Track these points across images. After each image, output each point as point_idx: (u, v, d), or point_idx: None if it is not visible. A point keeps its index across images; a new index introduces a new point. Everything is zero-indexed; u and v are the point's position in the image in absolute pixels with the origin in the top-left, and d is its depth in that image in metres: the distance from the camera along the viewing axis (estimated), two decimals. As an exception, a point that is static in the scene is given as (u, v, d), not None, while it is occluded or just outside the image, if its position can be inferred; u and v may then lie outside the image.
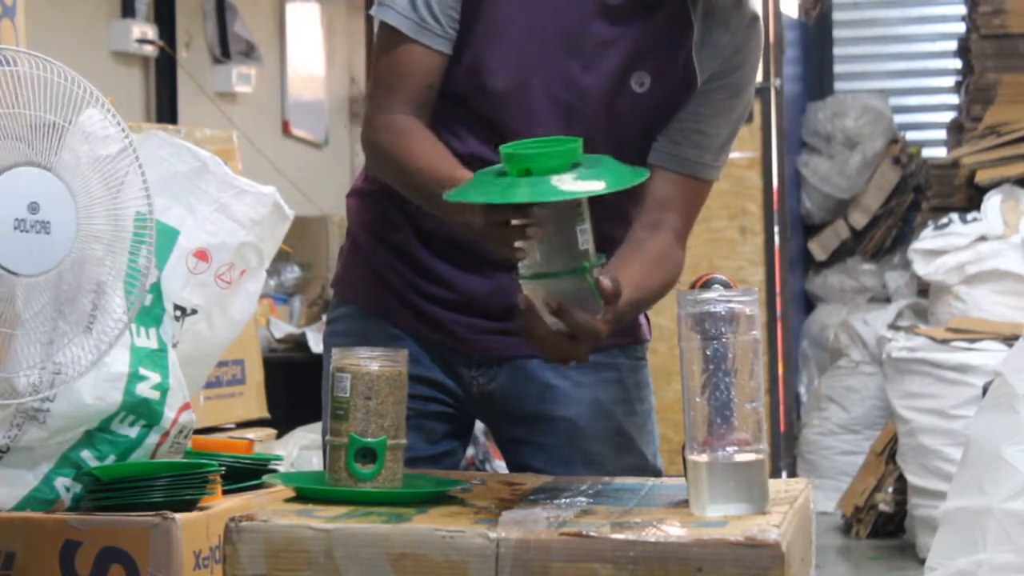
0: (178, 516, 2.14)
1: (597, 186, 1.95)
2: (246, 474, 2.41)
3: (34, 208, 2.17)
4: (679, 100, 2.28)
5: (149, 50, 5.72)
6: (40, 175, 2.17)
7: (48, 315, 2.17)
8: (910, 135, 7.92)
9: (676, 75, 2.26)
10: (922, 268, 6.11)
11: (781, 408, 6.91)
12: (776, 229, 6.74)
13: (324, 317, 6.02)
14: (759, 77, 6.59)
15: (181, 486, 2.20)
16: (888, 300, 7.45)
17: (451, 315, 2.35)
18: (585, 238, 1.98)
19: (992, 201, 6.08)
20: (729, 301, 1.86)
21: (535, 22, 2.23)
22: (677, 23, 2.25)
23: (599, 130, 2.25)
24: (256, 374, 3.84)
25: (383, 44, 2.26)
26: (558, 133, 2.21)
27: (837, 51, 8.37)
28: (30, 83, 2.16)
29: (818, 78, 8.25)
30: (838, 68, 8.35)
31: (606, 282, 2.00)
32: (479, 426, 2.54)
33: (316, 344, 5.39)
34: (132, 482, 2.18)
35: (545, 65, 2.24)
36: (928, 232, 6.15)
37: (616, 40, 2.24)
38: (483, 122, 2.27)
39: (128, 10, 5.65)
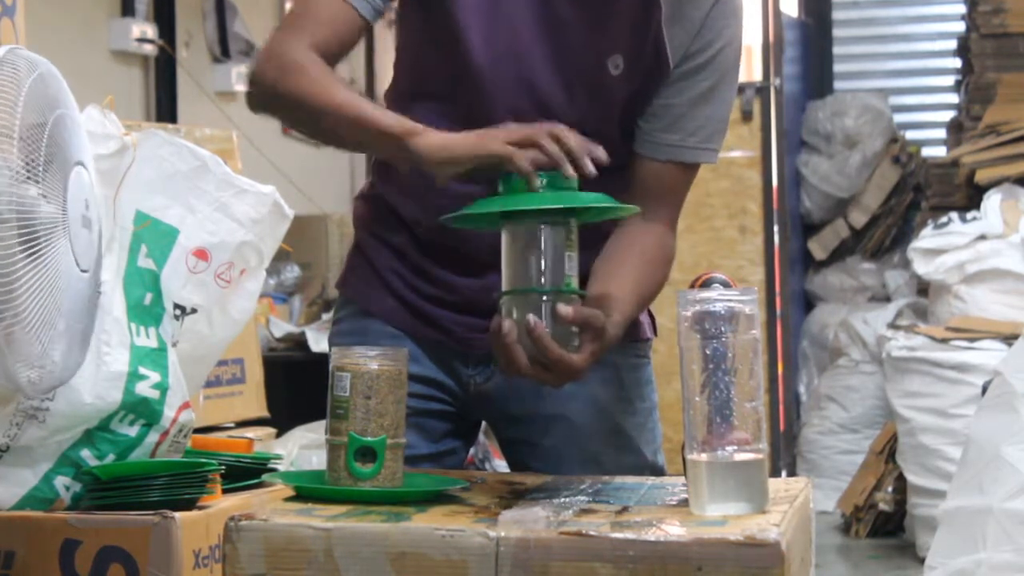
0: (178, 515, 2.14)
1: (578, 199, 1.99)
2: (246, 473, 2.41)
3: (87, 205, 2.16)
4: (654, 82, 2.27)
5: (149, 49, 5.72)
6: (85, 173, 2.17)
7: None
8: (910, 134, 7.92)
9: (648, 56, 2.26)
10: (922, 267, 6.11)
11: (781, 407, 6.92)
12: (776, 228, 6.74)
13: (324, 316, 6.01)
14: (759, 76, 6.67)
15: (181, 485, 2.20)
16: (888, 299, 7.46)
17: (449, 314, 2.35)
18: (553, 265, 1.99)
19: (992, 200, 6.09)
20: (729, 300, 1.86)
21: (500, 4, 2.23)
22: (643, 2, 2.24)
23: (582, 115, 2.24)
24: (256, 373, 3.83)
25: None
26: (535, 119, 2.22)
27: (837, 50, 8.38)
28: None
29: (818, 77, 8.26)
30: (838, 67, 8.36)
31: (565, 309, 1.98)
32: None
33: (316, 343, 5.39)
34: (132, 481, 2.18)
35: (514, 52, 2.23)
36: (928, 231, 6.15)
37: (584, 22, 2.24)
38: (462, 113, 2.27)
39: (128, 9, 5.66)
